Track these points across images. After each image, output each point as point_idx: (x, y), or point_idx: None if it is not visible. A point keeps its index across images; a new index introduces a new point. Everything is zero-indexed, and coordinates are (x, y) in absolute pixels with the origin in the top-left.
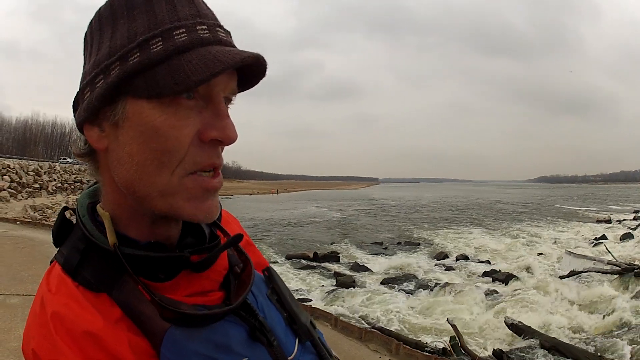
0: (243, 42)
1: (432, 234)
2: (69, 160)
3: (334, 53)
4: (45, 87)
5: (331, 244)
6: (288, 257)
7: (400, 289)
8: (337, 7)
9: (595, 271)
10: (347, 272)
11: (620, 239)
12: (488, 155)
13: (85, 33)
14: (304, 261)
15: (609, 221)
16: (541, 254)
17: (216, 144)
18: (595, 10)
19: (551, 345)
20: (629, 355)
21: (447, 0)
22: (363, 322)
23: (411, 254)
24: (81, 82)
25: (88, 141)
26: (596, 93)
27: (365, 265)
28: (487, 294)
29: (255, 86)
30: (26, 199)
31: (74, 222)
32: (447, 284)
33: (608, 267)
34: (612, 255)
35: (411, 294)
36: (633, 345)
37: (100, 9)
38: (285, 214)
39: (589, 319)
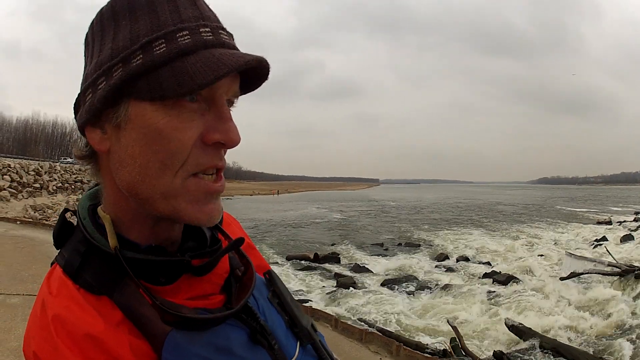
0: (243, 42)
1: (432, 235)
2: (69, 160)
3: (334, 53)
4: (46, 87)
5: (332, 245)
6: (288, 258)
7: (401, 290)
8: (337, 7)
9: (595, 273)
10: (348, 273)
11: (621, 241)
12: (489, 156)
13: (87, 34)
14: (304, 262)
15: (609, 222)
16: (542, 255)
17: (219, 147)
18: (596, 10)
19: (551, 346)
20: (629, 357)
21: None
22: (363, 323)
23: (412, 255)
24: (82, 84)
25: (90, 143)
26: (597, 93)
27: (366, 266)
28: (487, 296)
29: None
30: (26, 198)
31: (75, 224)
32: (447, 285)
33: (608, 269)
34: (613, 257)
35: (412, 295)
36: (633, 347)
37: (101, 9)
38: (286, 215)
39: (589, 320)
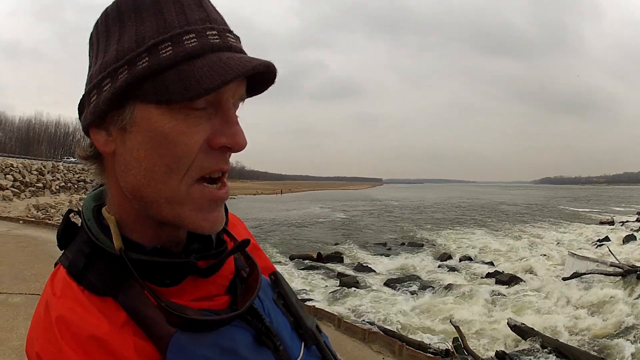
0: (243, 42)
1: (435, 234)
2: (72, 159)
3: (334, 53)
4: (46, 87)
5: (335, 244)
6: (292, 258)
7: (404, 290)
8: (337, 7)
9: (598, 273)
10: (351, 273)
11: (623, 241)
12: (490, 156)
13: (91, 33)
14: (307, 261)
15: (612, 223)
16: (544, 255)
17: (225, 151)
18: (596, 10)
19: (554, 347)
20: (631, 357)
21: None
22: (366, 322)
23: (414, 255)
24: (87, 85)
25: (94, 144)
26: (597, 93)
27: (369, 265)
28: (490, 296)
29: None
30: (29, 198)
31: (79, 224)
32: (450, 285)
33: (611, 269)
34: (615, 257)
35: (414, 294)
36: (634, 347)
37: (106, 9)
38: (289, 214)
39: (591, 320)
